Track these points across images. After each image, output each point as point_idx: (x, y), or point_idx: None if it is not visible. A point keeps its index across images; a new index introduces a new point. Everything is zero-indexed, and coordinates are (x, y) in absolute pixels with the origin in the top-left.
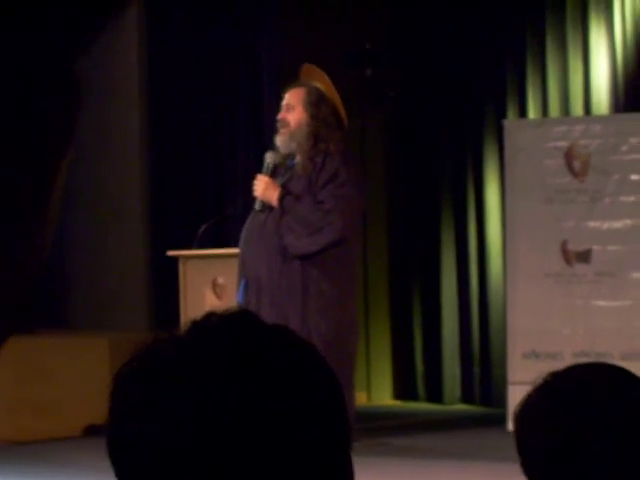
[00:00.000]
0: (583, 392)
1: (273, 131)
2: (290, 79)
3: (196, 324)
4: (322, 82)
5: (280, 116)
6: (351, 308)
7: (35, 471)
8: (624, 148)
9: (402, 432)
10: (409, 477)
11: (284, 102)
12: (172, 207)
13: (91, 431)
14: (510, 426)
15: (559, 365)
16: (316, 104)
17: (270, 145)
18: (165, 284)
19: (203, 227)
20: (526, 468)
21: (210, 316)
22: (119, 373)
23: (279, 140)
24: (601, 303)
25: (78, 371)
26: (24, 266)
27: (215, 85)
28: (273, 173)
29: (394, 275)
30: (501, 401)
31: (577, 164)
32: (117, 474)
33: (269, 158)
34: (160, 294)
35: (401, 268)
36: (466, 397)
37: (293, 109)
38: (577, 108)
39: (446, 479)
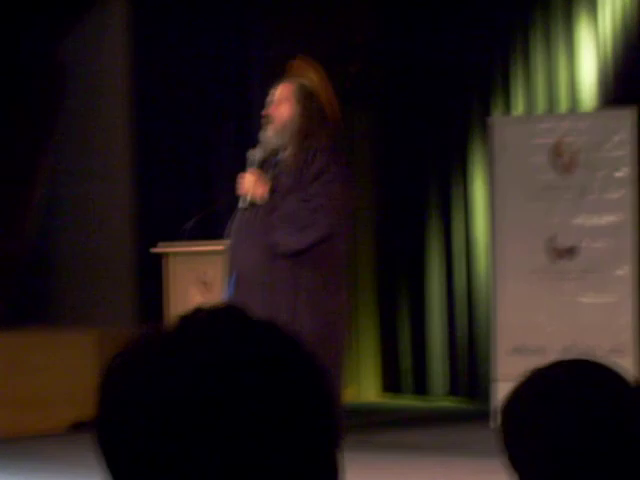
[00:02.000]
0: (566, 388)
1: (260, 126)
2: (277, 75)
3: (184, 319)
4: (314, 74)
5: (268, 111)
6: (340, 304)
7: (21, 467)
8: (610, 145)
9: (388, 427)
10: (395, 472)
11: (274, 97)
12: (158, 202)
13: (78, 427)
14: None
15: (545, 361)
16: (306, 99)
17: (257, 140)
18: (151, 280)
19: (189, 223)
20: (511, 464)
21: (198, 311)
22: (107, 367)
23: (267, 135)
24: (587, 299)
25: (64, 367)
26: (7, 249)
27: (202, 79)
28: (259, 169)
29: (381, 271)
30: (487, 397)
31: (563, 161)
32: (105, 467)
33: (255, 155)
34: (146, 290)
35: (388, 264)
36: (452, 393)
37: (282, 104)
38: (563, 105)
39: (432, 474)
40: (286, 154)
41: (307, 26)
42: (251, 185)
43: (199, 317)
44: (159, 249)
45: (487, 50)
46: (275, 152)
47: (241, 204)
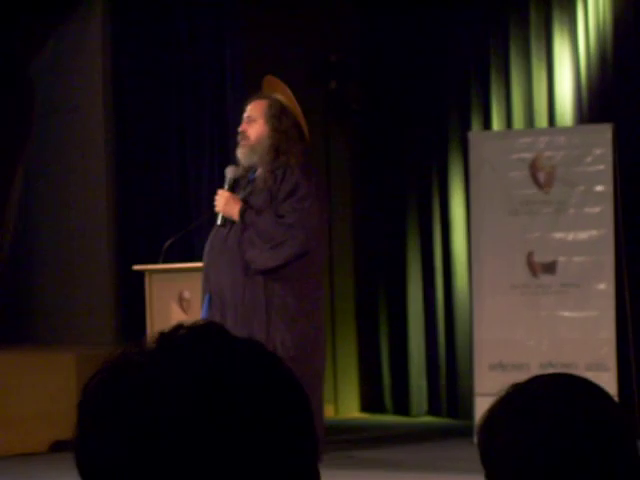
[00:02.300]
0: (545, 403)
1: (236, 144)
2: (254, 92)
3: (164, 336)
4: (283, 94)
5: (241, 128)
6: (317, 321)
7: None
8: (589, 159)
9: (369, 445)
10: None
11: (245, 114)
12: (137, 221)
13: (57, 447)
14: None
15: (525, 376)
16: (277, 116)
17: (234, 159)
18: (131, 299)
19: (169, 241)
20: None
21: (178, 328)
22: (87, 384)
23: (240, 153)
24: (566, 314)
25: (44, 386)
26: None
27: (179, 98)
28: (234, 187)
29: (360, 287)
30: (468, 413)
31: (542, 175)
32: None
33: (230, 173)
34: (126, 309)
35: (367, 280)
36: (433, 409)
37: (254, 121)
38: (541, 119)
39: None
40: (259, 172)
41: (285, 42)
42: (224, 203)
43: (179, 334)
44: (139, 267)
45: (465, 65)
46: (249, 170)
47: (218, 221)
